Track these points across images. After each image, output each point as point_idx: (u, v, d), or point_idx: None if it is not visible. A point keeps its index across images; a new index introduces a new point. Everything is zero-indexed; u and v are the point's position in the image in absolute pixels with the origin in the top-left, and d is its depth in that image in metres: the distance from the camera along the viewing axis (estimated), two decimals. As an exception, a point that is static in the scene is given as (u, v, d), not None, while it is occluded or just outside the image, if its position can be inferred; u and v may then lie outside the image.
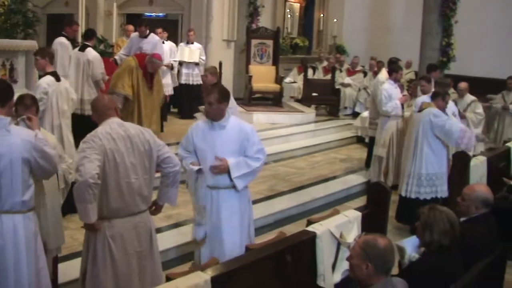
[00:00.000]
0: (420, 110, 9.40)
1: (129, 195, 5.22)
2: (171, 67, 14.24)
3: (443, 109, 9.35)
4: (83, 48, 11.06)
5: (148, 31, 12.79)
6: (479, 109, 13.28)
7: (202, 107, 8.24)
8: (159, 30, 14.18)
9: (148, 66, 10.21)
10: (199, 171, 6.39)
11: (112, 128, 5.22)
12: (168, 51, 14.25)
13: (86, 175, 4.84)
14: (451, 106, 10.02)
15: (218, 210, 6.35)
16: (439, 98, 9.35)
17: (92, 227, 5.12)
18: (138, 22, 13.19)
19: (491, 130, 15.68)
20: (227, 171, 6.26)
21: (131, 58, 10.70)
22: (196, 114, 10.33)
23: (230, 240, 6.36)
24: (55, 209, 5.79)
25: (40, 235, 5.11)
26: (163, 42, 14.14)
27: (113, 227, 5.21)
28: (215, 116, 6.32)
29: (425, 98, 10.27)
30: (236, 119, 6.53)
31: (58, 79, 8.52)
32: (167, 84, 13.96)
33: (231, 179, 6.29)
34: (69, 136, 8.67)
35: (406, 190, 9.45)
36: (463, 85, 13.52)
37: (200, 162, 6.41)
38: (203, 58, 15.09)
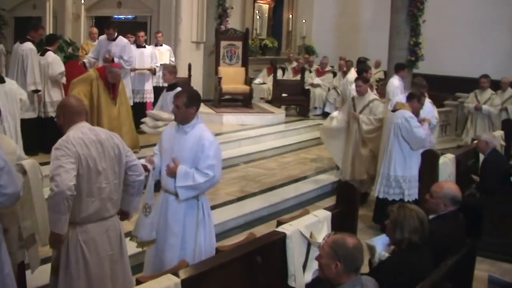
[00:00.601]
0: (394, 110, 9.43)
1: (100, 200, 5.17)
2: (153, 72, 13.88)
3: (418, 111, 9.40)
4: (43, 53, 11.01)
5: (116, 34, 12.64)
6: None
7: (150, 111, 8.09)
8: (141, 33, 14.09)
9: (108, 76, 10.04)
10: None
11: (84, 133, 5.14)
12: (149, 55, 13.96)
13: (63, 186, 4.77)
14: (427, 108, 10.04)
15: (165, 213, 6.16)
16: (415, 99, 9.35)
17: (59, 238, 5.04)
18: (107, 25, 12.98)
19: (463, 130, 15.83)
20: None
21: (92, 70, 10.76)
22: (144, 119, 10.39)
23: (169, 248, 6.12)
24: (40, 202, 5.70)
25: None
26: (144, 46, 14.02)
27: (85, 232, 5.16)
28: (181, 120, 6.17)
29: (401, 98, 10.34)
30: (203, 128, 6.21)
31: (2, 80, 8.47)
32: (149, 90, 13.85)
33: None
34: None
35: (378, 190, 9.50)
36: (504, 80, 13.95)
37: (162, 163, 6.32)
38: (173, 60, 14.88)
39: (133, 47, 13.42)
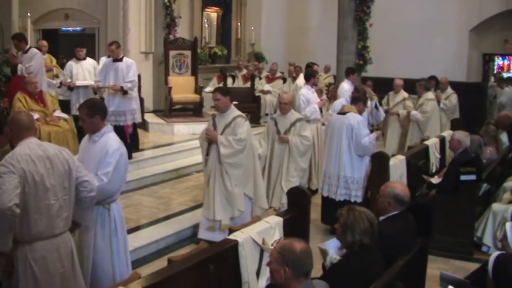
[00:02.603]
0: (342, 113, 9.55)
1: (49, 217, 5.07)
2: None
3: (361, 113, 9.70)
4: None
5: (28, 46, 12.10)
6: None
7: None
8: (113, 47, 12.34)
9: (27, 87, 10.56)
10: None
11: (31, 148, 5.05)
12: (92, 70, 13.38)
13: (3, 205, 4.68)
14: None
15: None
16: (361, 102, 9.65)
17: (2, 256, 4.97)
18: (17, 37, 12.25)
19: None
20: None
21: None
22: None
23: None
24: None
25: None
26: (84, 59, 13.42)
27: (35, 249, 5.05)
28: (87, 130, 6.26)
29: (343, 101, 10.45)
30: (111, 136, 6.22)
31: None
32: (136, 110, 12.33)
33: None
34: None
35: (328, 190, 9.62)
36: (398, 81, 13.91)
37: None
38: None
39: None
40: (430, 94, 13.92)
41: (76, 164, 5.40)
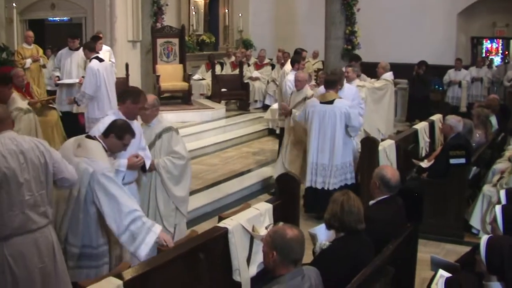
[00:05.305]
0: (326, 102, 9.50)
1: (24, 213, 4.98)
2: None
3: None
4: None
5: (93, 56, 11.72)
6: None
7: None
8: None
9: (14, 81, 10.07)
10: None
11: (4, 143, 4.95)
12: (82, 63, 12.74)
13: None
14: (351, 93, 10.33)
15: None
16: (338, 85, 9.78)
17: None
18: (86, 46, 12.00)
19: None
20: None
21: None
22: None
23: None
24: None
25: None
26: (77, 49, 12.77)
27: (11, 245, 4.96)
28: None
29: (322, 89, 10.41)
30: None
31: None
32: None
33: None
34: None
35: (322, 182, 9.61)
36: (382, 63, 13.72)
37: None
38: (113, 60, 14.34)
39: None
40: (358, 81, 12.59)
41: (54, 158, 5.26)
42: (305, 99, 10.43)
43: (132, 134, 5.97)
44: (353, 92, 10.49)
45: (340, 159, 9.50)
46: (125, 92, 6.65)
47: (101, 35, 14.29)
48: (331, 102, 9.52)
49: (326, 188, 9.47)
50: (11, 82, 7.08)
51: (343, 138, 9.54)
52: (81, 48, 12.37)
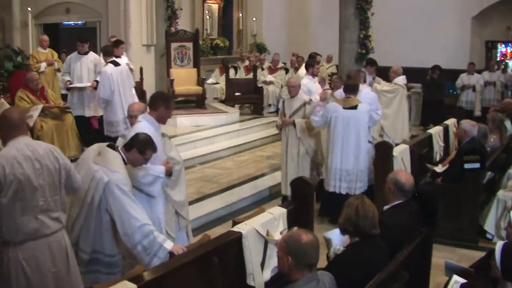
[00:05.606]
0: (350, 107, 9.48)
1: (37, 219, 4.99)
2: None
3: None
4: None
5: (109, 60, 11.93)
6: None
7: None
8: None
9: (29, 84, 10.53)
10: None
11: (19, 149, 4.95)
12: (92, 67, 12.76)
13: None
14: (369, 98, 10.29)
15: None
16: (357, 89, 9.70)
17: None
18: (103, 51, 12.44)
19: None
20: None
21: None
22: None
23: None
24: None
25: None
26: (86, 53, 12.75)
27: (25, 249, 4.98)
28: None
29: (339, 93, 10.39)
30: None
31: None
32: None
33: None
34: None
35: (347, 187, 9.57)
36: (394, 68, 13.69)
37: None
38: (131, 67, 14.16)
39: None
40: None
41: (67, 165, 5.30)
42: (304, 104, 10.24)
43: (154, 149, 5.98)
44: (371, 97, 10.38)
45: (365, 163, 9.53)
46: (157, 99, 6.65)
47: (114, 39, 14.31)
48: (354, 107, 9.50)
49: (352, 193, 9.29)
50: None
51: (366, 143, 9.59)
52: (90, 52, 12.46)
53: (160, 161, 6.52)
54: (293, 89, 10.21)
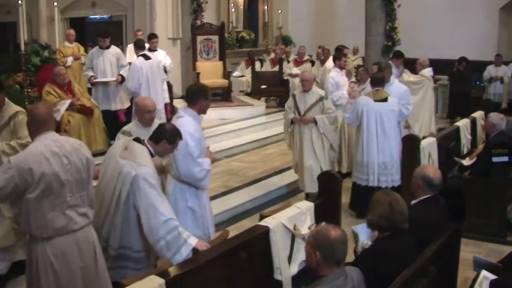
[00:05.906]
0: (381, 100, 9.44)
1: (65, 214, 5.02)
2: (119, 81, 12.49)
3: None
4: None
5: (140, 53, 12.19)
6: None
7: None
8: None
9: (56, 79, 10.59)
10: None
11: (46, 145, 4.95)
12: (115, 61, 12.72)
13: None
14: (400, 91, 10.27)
15: None
16: (385, 82, 9.71)
17: None
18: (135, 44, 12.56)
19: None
20: None
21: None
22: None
23: None
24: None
25: None
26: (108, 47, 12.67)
27: (54, 244, 5.01)
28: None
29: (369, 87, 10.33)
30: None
31: None
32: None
33: None
34: None
35: (385, 180, 9.55)
36: (420, 60, 13.63)
37: None
38: (168, 61, 14.04)
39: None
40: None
41: (93, 163, 5.35)
42: (321, 99, 9.95)
43: (181, 137, 6.04)
44: (402, 91, 10.31)
45: (398, 155, 9.44)
46: (195, 93, 6.68)
47: (140, 33, 14.41)
48: (384, 99, 9.47)
49: (389, 186, 9.24)
50: (3, 89, 6.91)
51: (398, 136, 9.59)
52: (112, 46, 12.52)
53: (205, 152, 6.70)
54: (307, 83, 9.91)
